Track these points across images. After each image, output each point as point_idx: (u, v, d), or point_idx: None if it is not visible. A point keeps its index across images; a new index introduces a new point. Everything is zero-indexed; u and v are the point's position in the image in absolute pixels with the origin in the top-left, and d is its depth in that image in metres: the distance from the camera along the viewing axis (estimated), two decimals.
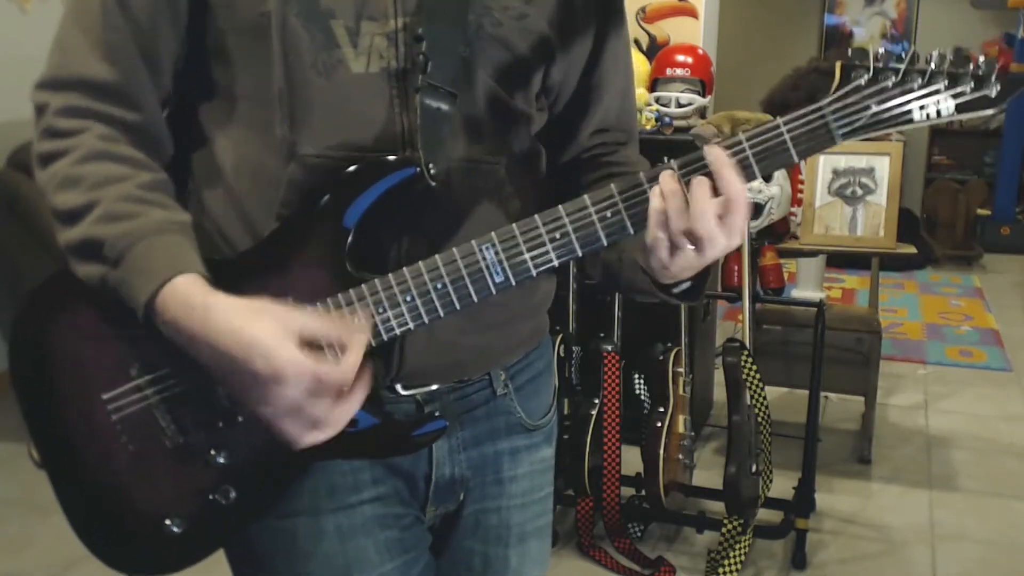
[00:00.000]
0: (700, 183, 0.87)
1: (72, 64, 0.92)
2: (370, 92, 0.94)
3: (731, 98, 4.35)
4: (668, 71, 3.29)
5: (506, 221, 0.92)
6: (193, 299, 0.86)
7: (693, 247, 0.88)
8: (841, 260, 5.67)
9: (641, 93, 3.31)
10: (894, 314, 5.20)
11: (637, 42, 3.66)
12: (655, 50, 3.56)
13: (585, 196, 0.91)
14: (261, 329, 0.84)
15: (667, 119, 3.20)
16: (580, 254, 0.91)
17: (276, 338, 0.84)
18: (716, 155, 0.87)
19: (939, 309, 5.41)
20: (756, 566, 2.70)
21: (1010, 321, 5.16)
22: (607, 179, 0.92)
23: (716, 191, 0.87)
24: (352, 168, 0.92)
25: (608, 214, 0.91)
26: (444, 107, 0.93)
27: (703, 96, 3.28)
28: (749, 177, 0.89)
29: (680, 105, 3.23)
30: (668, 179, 0.88)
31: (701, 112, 3.31)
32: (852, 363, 3.32)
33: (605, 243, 0.92)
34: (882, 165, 2.78)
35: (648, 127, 3.20)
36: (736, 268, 2.86)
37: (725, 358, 2.57)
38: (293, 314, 0.87)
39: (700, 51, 3.39)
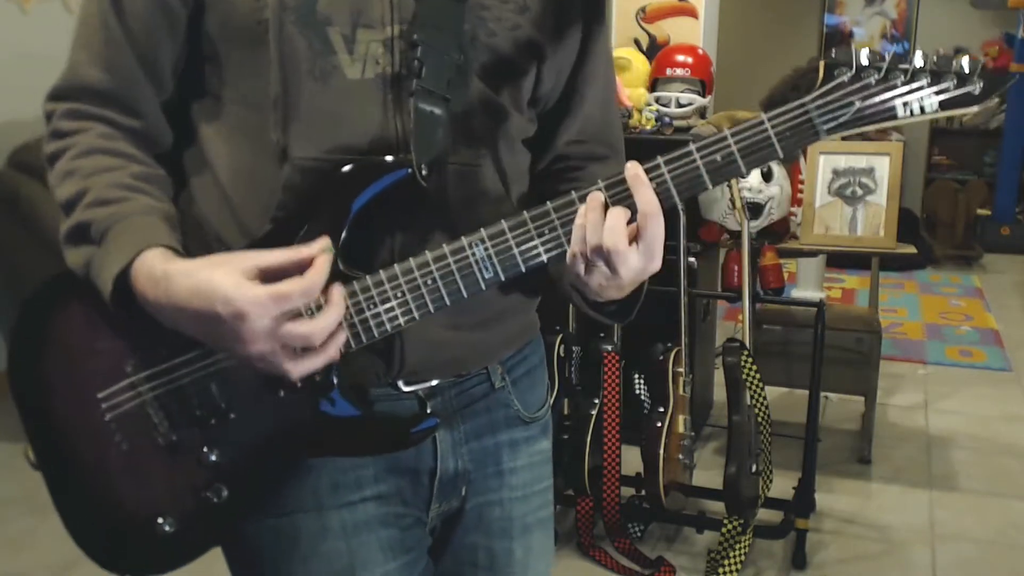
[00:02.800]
0: (619, 205, 0.90)
1: (75, 75, 0.98)
2: (365, 97, 0.95)
3: (731, 98, 4.35)
4: (668, 71, 3.29)
5: (495, 222, 0.93)
6: (155, 270, 0.89)
7: (605, 264, 0.90)
8: (841, 260, 5.66)
9: (641, 93, 3.31)
10: (894, 314, 5.20)
11: (637, 42, 3.65)
12: (655, 50, 3.56)
13: (573, 192, 0.92)
14: (217, 277, 0.86)
15: (667, 119, 3.20)
16: (568, 249, 0.92)
17: (231, 280, 0.85)
18: (634, 172, 0.90)
19: (939, 309, 5.41)
20: (756, 566, 2.70)
21: (1010, 321, 5.16)
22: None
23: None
24: (346, 169, 0.93)
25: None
26: (437, 111, 0.95)
27: (703, 96, 3.28)
28: (667, 199, 0.90)
29: (680, 105, 3.23)
30: (594, 195, 0.91)
31: (701, 112, 3.31)
32: (852, 363, 3.32)
33: None
34: (882, 165, 2.78)
35: (648, 127, 3.20)
36: (736, 268, 2.86)
37: (725, 358, 2.57)
38: (246, 255, 0.88)
39: (700, 51, 3.39)
